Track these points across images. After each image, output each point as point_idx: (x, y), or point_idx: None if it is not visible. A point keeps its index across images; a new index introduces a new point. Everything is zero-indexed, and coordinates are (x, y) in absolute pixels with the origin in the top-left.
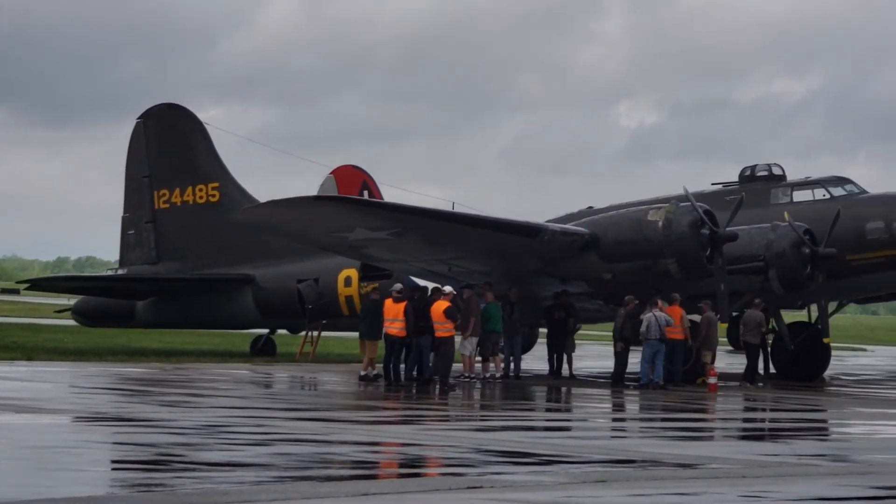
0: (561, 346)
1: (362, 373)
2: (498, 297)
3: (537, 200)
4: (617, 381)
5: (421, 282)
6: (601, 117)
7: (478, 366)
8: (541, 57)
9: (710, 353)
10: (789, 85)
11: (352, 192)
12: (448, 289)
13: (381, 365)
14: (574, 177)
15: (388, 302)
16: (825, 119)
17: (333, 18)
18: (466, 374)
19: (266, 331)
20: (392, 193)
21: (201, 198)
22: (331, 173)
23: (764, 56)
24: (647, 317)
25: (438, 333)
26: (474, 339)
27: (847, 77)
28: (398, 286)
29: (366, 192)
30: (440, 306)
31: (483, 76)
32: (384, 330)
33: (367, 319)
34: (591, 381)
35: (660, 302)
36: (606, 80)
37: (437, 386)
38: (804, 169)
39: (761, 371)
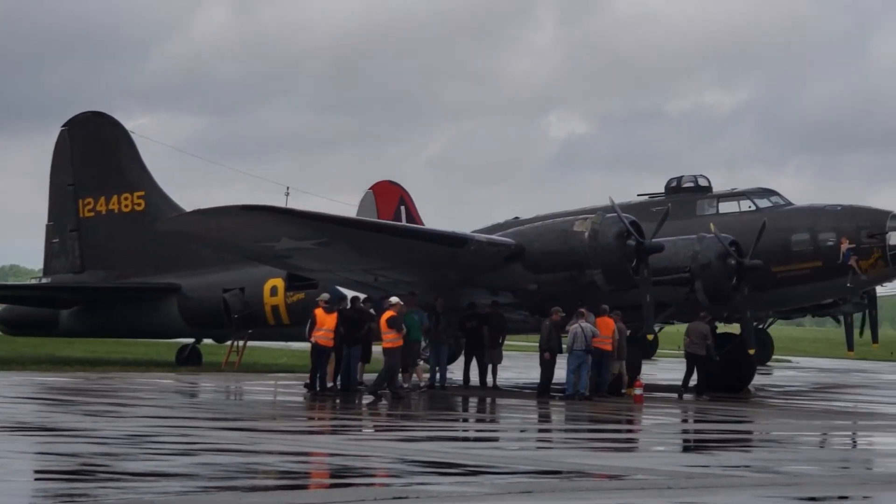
0: (479, 356)
1: (329, 384)
2: (424, 308)
3: (465, 210)
4: (543, 391)
5: (348, 292)
6: (531, 127)
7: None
8: (470, 66)
9: (619, 364)
10: (719, 97)
11: (389, 206)
12: (394, 299)
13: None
14: (503, 187)
15: (319, 311)
16: (755, 131)
17: (264, 27)
18: (402, 385)
19: (192, 340)
20: (319, 203)
21: (126, 206)
22: (370, 188)
23: (695, 68)
24: (573, 328)
25: (384, 344)
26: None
27: (776, 89)
28: (326, 296)
29: (402, 208)
30: (385, 316)
31: (412, 85)
32: (312, 338)
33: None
34: (516, 391)
35: (585, 312)
36: (536, 90)
37: (375, 395)
38: (734, 180)
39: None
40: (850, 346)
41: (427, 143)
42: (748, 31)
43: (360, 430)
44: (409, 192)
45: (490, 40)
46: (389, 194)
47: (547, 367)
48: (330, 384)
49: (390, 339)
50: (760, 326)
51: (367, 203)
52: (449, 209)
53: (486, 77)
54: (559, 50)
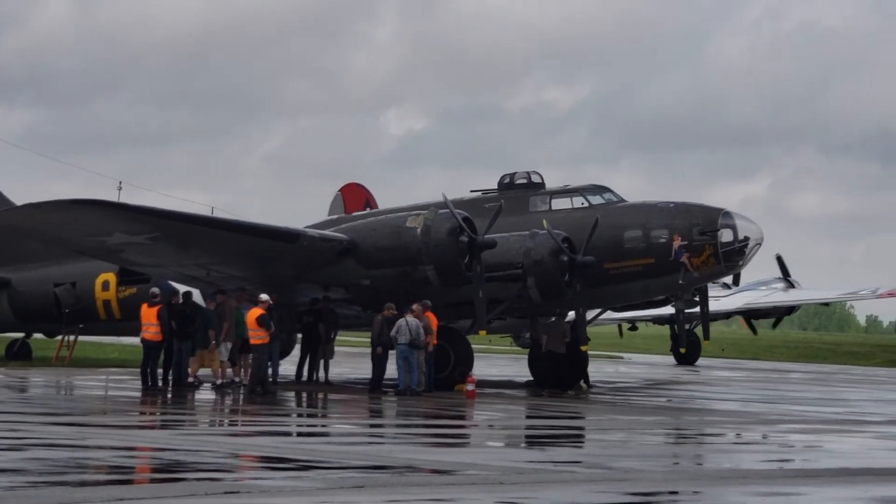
0: (314, 352)
1: (218, 381)
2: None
3: (303, 206)
4: (375, 387)
5: (181, 287)
6: (369, 124)
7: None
8: (311, 63)
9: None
10: (558, 94)
11: (357, 207)
12: (264, 297)
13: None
14: (340, 183)
15: (144, 306)
16: (592, 128)
17: (104, 21)
18: (220, 380)
19: (22, 335)
20: (155, 199)
21: None
22: (339, 191)
23: (534, 65)
24: (399, 322)
25: (252, 341)
26: (229, 345)
27: (614, 87)
28: (155, 290)
29: (367, 209)
30: (254, 313)
31: (251, 81)
32: (140, 334)
33: (201, 329)
34: (348, 386)
35: (416, 308)
36: (376, 86)
37: (245, 390)
38: (572, 177)
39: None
40: (683, 343)
41: (266, 139)
42: (588, 30)
43: (192, 425)
44: (372, 194)
45: (331, 37)
46: (356, 196)
47: (379, 363)
48: (191, 379)
49: (259, 336)
50: (688, 327)
51: (337, 204)
52: (288, 205)
53: (326, 74)
54: (399, 47)
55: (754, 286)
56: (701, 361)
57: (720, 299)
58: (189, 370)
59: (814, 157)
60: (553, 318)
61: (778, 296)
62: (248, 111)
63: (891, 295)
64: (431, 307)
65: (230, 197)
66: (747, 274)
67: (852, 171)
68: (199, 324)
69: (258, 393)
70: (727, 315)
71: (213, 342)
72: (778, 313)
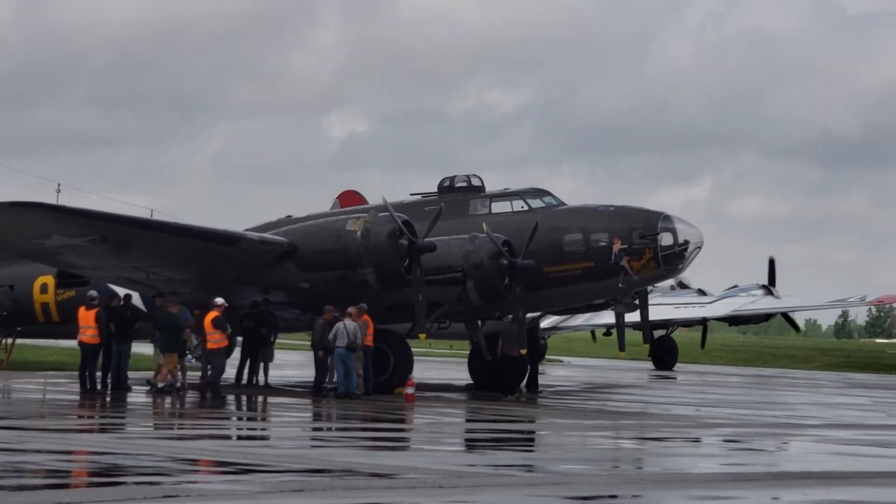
0: (254, 355)
1: (160, 384)
2: (196, 306)
3: (245, 210)
4: (316, 389)
5: (120, 290)
6: (312, 126)
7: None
8: (255, 65)
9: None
10: (501, 97)
11: None
12: (220, 300)
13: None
14: (283, 186)
15: (82, 309)
16: (534, 131)
17: (46, 22)
18: (160, 383)
19: None
20: (96, 201)
21: None
22: (337, 197)
23: (477, 69)
24: (337, 325)
25: (209, 345)
26: None
27: (557, 91)
28: (92, 293)
29: None
30: (209, 316)
31: (195, 83)
32: (78, 337)
33: (164, 331)
34: (289, 389)
35: (352, 311)
36: (319, 88)
37: (207, 395)
38: (514, 181)
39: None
40: (622, 347)
41: (209, 141)
42: (532, 33)
43: (131, 429)
44: (368, 201)
45: (275, 39)
46: (353, 202)
47: (320, 366)
48: (161, 384)
49: (216, 339)
50: (664, 333)
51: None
52: (228, 208)
53: (269, 76)
54: (343, 49)
55: (734, 293)
56: (642, 364)
57: (706, 306)
58: (160, 375)
59: (755, 160)
60: (509, 322)
61: (765, 302)
62: (191, 114)
63: (881, 302)
64: (367, 310)
65: (172, 200)
66: (723, 279)
67: (793, 175)
68: (152, 326)
69: (212, 397)
70: (735, 322)
71: (192, 343)
72: (757, 320)
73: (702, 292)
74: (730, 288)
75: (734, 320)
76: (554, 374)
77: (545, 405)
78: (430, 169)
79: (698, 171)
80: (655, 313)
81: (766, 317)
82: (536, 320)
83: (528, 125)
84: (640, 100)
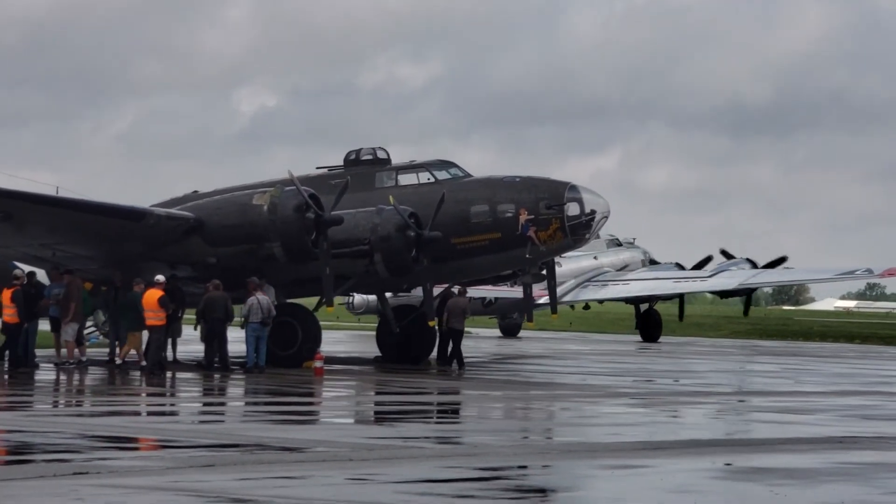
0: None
1: (118, 361)
2: (104, 282)
3: (154, 186)
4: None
5: (26, 267)
6: (221, 102)
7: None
8: (162, 41)
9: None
10: (411, 70)
11: None
12: (160, 278)
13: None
14: (192, 162)
15: (5, 290)
16: (445, 104)
17: None
18: (70, 361)
19: None
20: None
21: None
22: None
23: (388, 41)
24: (251, 300)
25: (150, 322)
26: (76, 325)
27: (467, 63)
28: (18, 272)
29: None
30: (154, 295)
31: (102, 60)
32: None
33: (131, 311)
34: (196, 365)
35: (263, 284)
36: (228, 64)
37: (146, 373)
38: (424, 153)
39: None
40: (530, 318)
41: (117, 118)
42: (441, 5)
43: (39, 406)
44: None
45: (184, 15)
46: None
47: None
48: (118, 360)
49: (159, 316)
50: (649, 307)
51: None
52: (137, 184)
53: (177, 52)
54: (252, 25)
55: (725, 267)
56: (551, 335)
57: (707, 280)
58: (121, 352)
59: (664, 130)
60: (456, 294)
61: (771, 275)
62: (98, 91)
63: (891, 274)
64: (261, 285)
65: (79, 177)
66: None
67: (702, 145)
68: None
69: (156, 374)
70: (725, 294)
71: (101, 319)
72: (743, 293)
73: (679, 266)
74: (721, 263)
75: (733, 293)
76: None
77: (454, 377)
78: (339, 143)
79: (608, 142)
80: (657, 287)
81: (751, 291)
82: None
83: (437, 98)
84: (549, 71)
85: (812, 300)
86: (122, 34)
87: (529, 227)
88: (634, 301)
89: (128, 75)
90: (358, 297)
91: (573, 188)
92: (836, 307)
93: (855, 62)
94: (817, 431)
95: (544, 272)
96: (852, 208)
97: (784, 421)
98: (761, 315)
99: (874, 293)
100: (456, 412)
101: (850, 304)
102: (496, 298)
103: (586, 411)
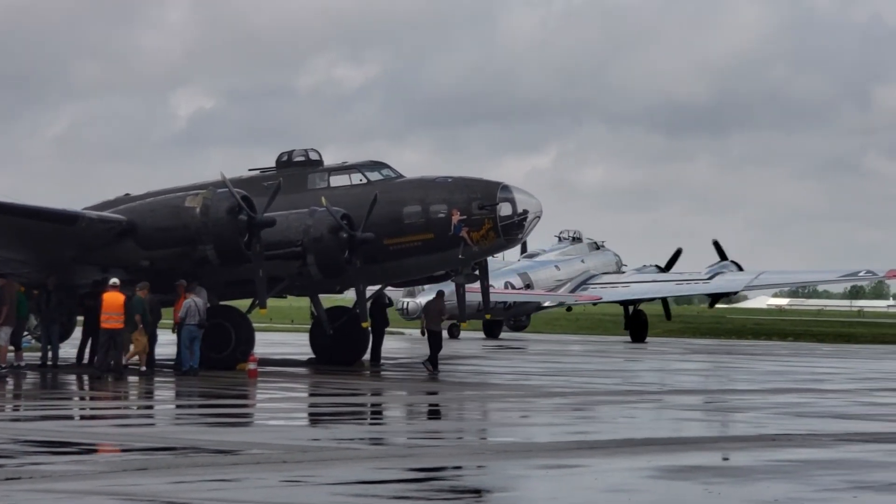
0: (95, 335)
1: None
2: (35, 286)
3: (89, 189)
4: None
5: None
6: (158, 105)
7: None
8: (99, 44)
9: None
10: (349, 71)
11: None
12: (115, 280)
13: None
14: (129, 165)
15: None
16: (380, 105)
17: None
18: (2, 365)
19: None
20: None
21: None
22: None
23: (325, 43)
24: (187, 303)
25: (107, 325)
26: (9, 329)
27: (404, 64)
28: None
29: None
30: (117, 298)
31: (38, 63)
32: None
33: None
34: (131, 368)
35: (198, 288)
36: (165, 66)
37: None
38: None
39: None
40: (463, 318)
41: (52, 121)
42: (379, 6)
43: None
44: None
45: (121, 17)
46: None
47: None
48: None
49: (118, 319)
50: (635, 308)
51: None
52: (76, 187)
53: (115, 54)
54: (190, 27)
55: (718, 269)
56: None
57: (709, 282)
58: (127, 355)
59: (599, 129)
60: (433, 296)
61: (773, 276)
62: (34, 94)
63: (894, 276)
64: (192, 287)
65: (15, 180)
66: (640, 258)
67: (637, 143)
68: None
69: (112, 378)
70: (719, 297)
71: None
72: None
73: (659, 268)
74: (713, 265)
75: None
76: (392, 345)
77: (388, 377)
78: (276, 145)
79: (543, 141)
80: (660, 290)
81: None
82: (381, 292)
83: (374, 99)
84: (486, 71)
85: (745, 298)
86: (59, 36)
87: (462, 228)
88: (632, 303)
89: (65, 78)
90: (412, 303)
91: (505, 188)
92: (768, 305)
93: (789, 61)
94: (750, 430)
95: (477, 272)
96: (787, 205)
97: (717, 420)
98: (694, 314)
99: (806, 290)
100: (389, 413)
101: (783, 301)
102: (514, 302)
103: (520, 411)
